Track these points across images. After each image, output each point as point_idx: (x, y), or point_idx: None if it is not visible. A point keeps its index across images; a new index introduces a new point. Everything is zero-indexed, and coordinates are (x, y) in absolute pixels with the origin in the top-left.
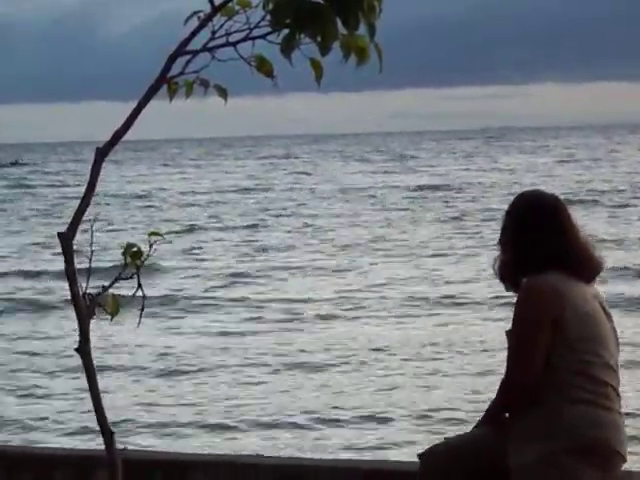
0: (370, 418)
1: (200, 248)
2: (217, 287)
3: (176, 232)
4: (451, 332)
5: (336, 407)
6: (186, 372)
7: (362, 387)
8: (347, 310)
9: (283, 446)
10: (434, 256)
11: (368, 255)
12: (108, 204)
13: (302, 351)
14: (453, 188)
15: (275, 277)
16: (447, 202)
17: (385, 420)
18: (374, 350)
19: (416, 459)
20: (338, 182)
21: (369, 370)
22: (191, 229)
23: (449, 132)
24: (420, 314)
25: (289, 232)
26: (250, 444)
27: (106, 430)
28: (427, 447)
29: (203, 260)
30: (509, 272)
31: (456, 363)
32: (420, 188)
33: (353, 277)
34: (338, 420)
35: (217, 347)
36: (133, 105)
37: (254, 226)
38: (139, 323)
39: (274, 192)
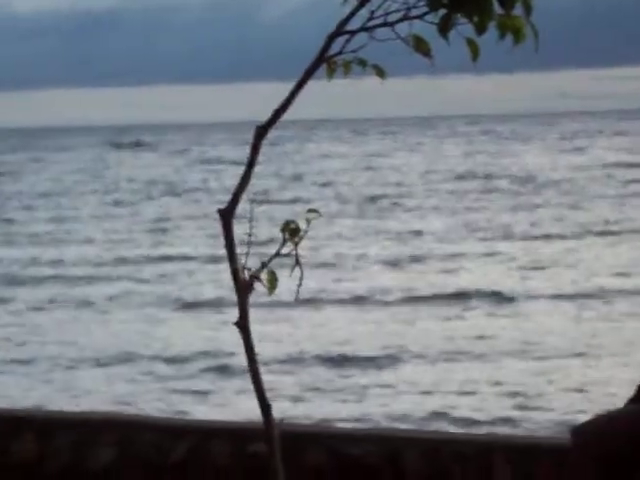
0: None
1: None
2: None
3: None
4: None
5: None
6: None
7: None
8: None
9: None
10: None
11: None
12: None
13: None
14: None
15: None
16: None
17: None
18: None
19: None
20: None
21: None
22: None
23: (611, 112)
24: None
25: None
26: None
27: (264, 402)
28: (579, 422)
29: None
30: None
31: None
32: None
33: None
34: None
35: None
36: (292, 85)
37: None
38: (296, 298)
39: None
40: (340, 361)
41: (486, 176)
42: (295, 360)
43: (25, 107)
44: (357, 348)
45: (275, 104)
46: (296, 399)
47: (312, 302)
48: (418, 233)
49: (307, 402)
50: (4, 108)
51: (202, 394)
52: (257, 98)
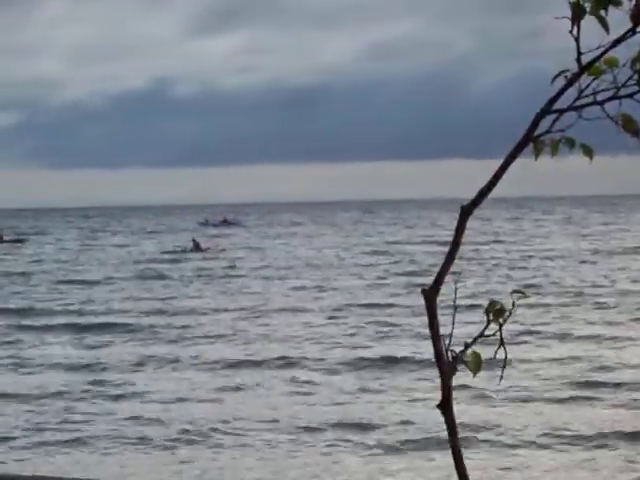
0: None
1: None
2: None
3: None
4: None
5: None
6: None
7: None
8: None
9: None
10: None
11: None
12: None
13: None
14: None
15: None
16: None
17: None
18: None
19: None
20: None
21: None
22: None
23: None
24: None
25: None
26: None
27: None
28: None
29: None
30: None
31: None
32: None
33: None
34: None
35: None
36: (493, 163)
37: None
38: (500, 379)
39: None
40: None
41: None
42: None
43: (236, 182)
44: None
45: (471, 181)
46: None
47: None
48: None
49: None
50: (216, 183)
51: None
52: (460, 175)
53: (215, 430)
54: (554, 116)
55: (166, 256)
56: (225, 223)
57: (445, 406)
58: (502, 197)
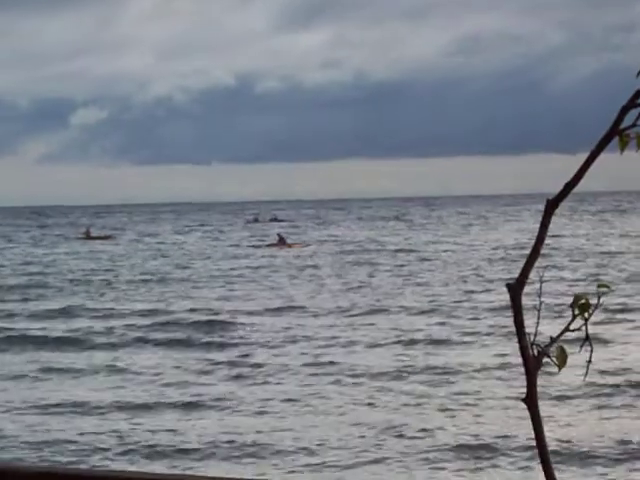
0: None
1: None
2: None
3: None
4: None
5: None
6: None
7: None
8: None
9: None
10: None
11: None
12: None
13: None
14: None
15: None
16: None
17: None
18: None
19: None
20: None
21: None
22: None
23: None
24: None
25: None
26: None
27: None
28: None
29: None
30: None
31: None
32: None
33: None
34: None
35: None
36: (580, 157)
37: None
38: (585, 376)
39: None
40: None
41: None
42: None
43: (319, 178)
44: None
45: (555, 176)
46: None
47: None
48: None
49: None
50: (300, 179)
51: None
52: (540, 170)
53: None
54: None
55: (253, 251)
56: (274, 221)
57: (530, 401)
58: (590, 191)
